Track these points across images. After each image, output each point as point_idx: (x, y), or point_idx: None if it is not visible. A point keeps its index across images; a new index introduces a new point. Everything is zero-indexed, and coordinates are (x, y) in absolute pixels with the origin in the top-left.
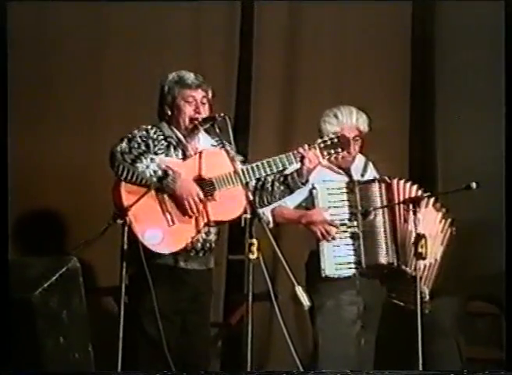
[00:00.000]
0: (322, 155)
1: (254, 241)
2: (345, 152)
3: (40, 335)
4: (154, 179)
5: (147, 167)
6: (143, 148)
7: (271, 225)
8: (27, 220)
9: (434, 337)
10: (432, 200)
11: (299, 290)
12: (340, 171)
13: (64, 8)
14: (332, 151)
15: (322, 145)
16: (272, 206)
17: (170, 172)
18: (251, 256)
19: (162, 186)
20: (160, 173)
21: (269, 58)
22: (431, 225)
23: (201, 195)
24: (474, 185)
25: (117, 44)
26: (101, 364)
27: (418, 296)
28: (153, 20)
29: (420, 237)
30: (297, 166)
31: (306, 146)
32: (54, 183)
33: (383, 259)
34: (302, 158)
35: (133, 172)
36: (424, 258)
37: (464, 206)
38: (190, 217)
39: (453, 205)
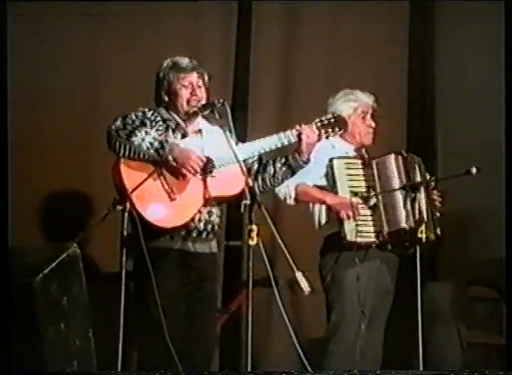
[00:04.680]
0: (320, 133)
1: (254, 226)
2: (342, 131)
3: (41, 321)
4: (152, 151)
5: (143, 140)
6: (137, 123)
7: (291, 202)
8: (27, 207)
9: (434, 323)
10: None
11: (299, 276)
12: (354, 153)
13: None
14: (330, 130)
15: (319, 124)
16: (295, 183)
17: (167, 142)
18: (251, 242)
19: (160, 157)
20: (156, 144)
21: (267, 46)
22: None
23: (204, 158)
24: (474, 170)
25: (114, 35)
26: (101, 351)
27: (419, 283)
28: (151, 11)
29: (419, 222)
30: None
31: (303, 125)
32: (53, 170)
33: (405, 224)
34: (300, 134)
35: (130, 147)
36: (423, 244)
37: (464, 190)
38: (191, 192)
39: (452, 189)
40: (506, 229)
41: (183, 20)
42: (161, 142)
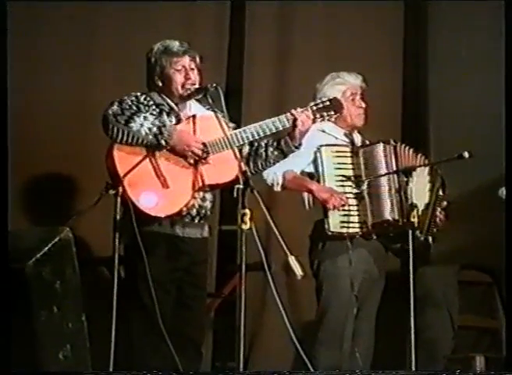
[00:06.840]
0: (315, 117)
1: (247, 211)
2: (338, 114)
3: (34, 305)
4: (150, 136)
5: (142, 126)
6: (134, 108)
7: (278, 188)
8: (19, 191)
9: (426, 307)
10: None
11: (292, 260)
12: (344, 138)
13: None
14: (325, 114)
15: (315, 108)
16: (283, 170)
17: (165, 127)
18: (244, 227)
19: (159, 143)
20: (155, 129)
21: (262, 28)
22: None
23: (200, 142)
24: (466, 154)
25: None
26: (94, 334)
27: (411, 268)
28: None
29: (412, 207)
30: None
31: (298, 109)
32: (45, 153)
33: (389, 215)
34: (294, 120)
35: (128, 132)
36: (416, 229)
37: (458, 174)
38: (185, 180)
39: (446, 172)
40: (506, 213)
41: (178, 6)
42: (159, 128)
